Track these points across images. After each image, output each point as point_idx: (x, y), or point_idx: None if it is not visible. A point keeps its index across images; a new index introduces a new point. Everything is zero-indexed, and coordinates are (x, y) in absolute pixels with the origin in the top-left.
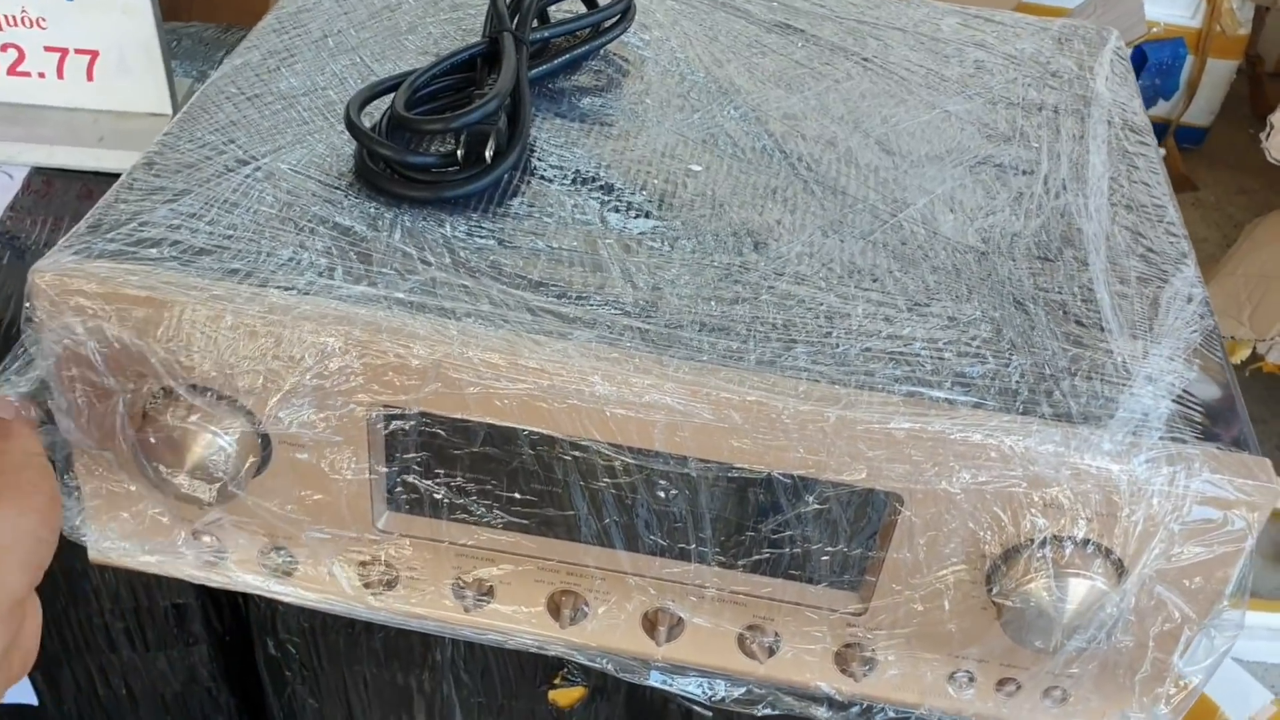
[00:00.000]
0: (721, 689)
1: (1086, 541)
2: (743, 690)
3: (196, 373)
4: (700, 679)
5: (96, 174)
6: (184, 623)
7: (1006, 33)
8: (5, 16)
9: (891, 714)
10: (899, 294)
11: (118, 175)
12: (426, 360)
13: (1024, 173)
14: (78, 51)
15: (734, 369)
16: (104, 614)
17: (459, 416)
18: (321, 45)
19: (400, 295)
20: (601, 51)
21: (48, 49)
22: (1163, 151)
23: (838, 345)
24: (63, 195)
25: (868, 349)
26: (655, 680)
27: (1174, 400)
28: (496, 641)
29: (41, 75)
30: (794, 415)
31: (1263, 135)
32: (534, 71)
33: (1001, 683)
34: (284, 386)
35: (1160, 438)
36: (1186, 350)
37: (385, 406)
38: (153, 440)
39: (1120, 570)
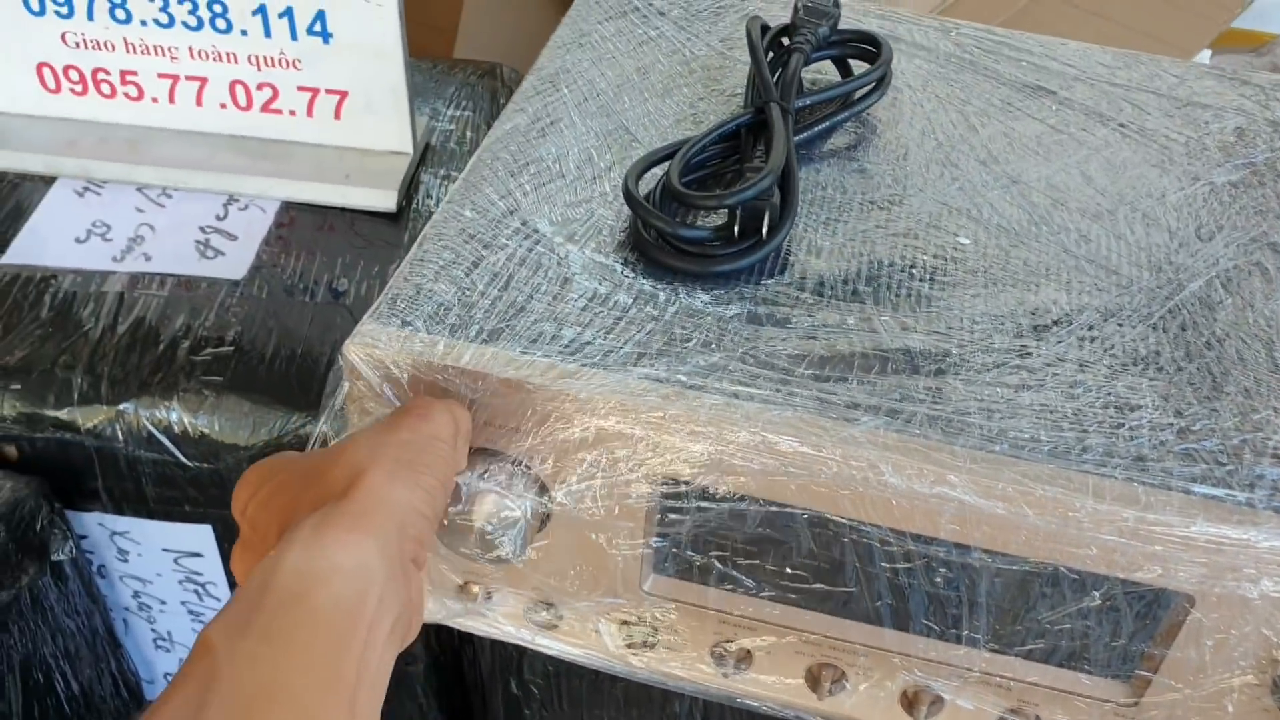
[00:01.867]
0: None
1: None
2: None
3: (492, 444)
4: None
5: (342, 210)
6: None
7: (1265, 97)
8: (265, 57)
9: None
10: (1186, 385)
11: (360, 211)
12: (712, 445)
13: None
14: (328, 92)
15: (1027, 462)
16: None
17: (740, 499)
18: (583, 109)
19: (682, 377)
20: None
21: (300, 89)
22: None
23: (1131, 438)
24: (309, 229)
25: (1162, 443)
26: None
27: None
28: (749, 707)
29: (293, 113)
30: (1090, 514)
31: None
32: (796, 138)
33: None
34: (572, 463)
35: None
36: None
37: (666, 486)
38: (452, 503)
39: None
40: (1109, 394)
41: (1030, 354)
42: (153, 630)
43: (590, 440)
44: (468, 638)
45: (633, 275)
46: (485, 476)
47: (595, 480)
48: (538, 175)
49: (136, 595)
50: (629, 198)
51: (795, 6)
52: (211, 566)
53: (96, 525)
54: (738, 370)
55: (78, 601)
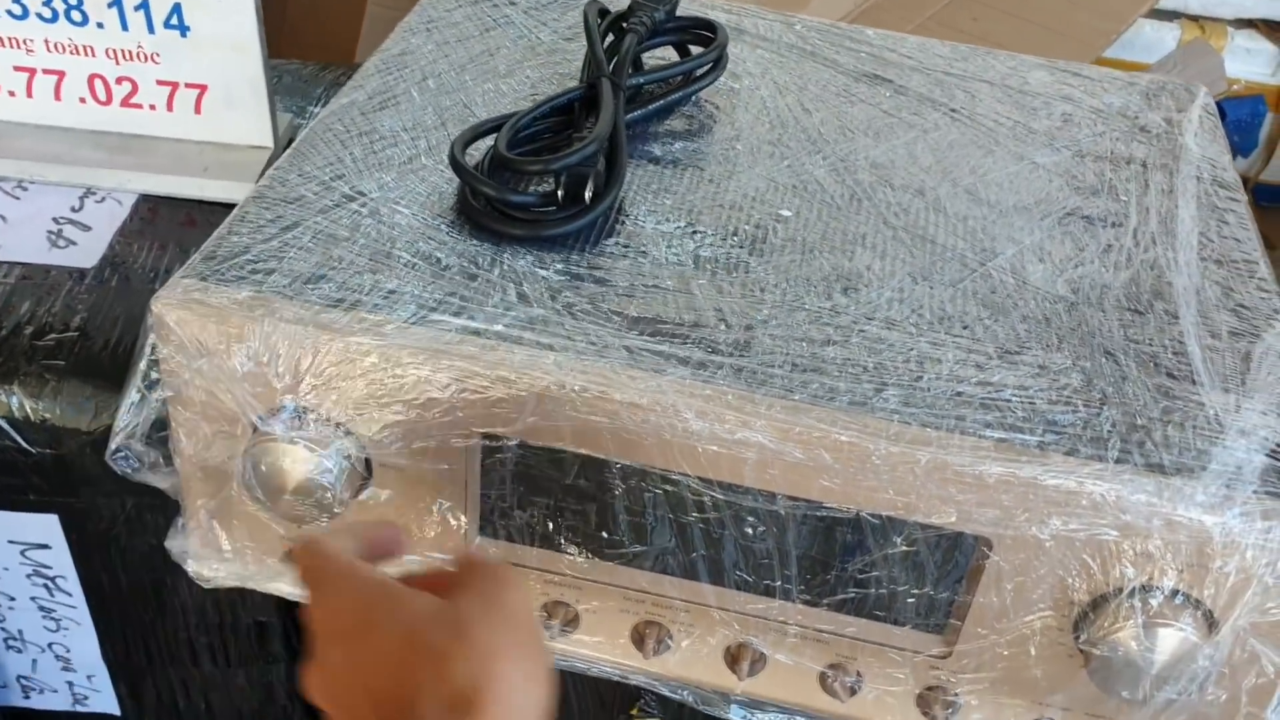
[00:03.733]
0: None
1: (1176, 592)
2: None
3: (305, 396)
4: (780, 715)
5: (200, 202)
6: (265, 640)
7: (1094, 87)
8: (122, 51)
9: None
10: (989, 341)
11: (220, 204)
12: (524, 393)
13: (1112, 225)
14: (188, 86)
15: (826, 409)
16: (189, 628)
17: (555, 448)
18: (423, 87)
19: (500, 329)
20: (694, 98)
21: (160, 83)
22: None
23: (929, 389)
24: (167, 222)
25: (959, 394)
26: (735, 715)
27: (1268, 454)
28: (579, 669)
29: (153, 107)
30: (885, 457)
31: None
32: (629, 116)
33: None
34: (385, 414)
35: (1254, 491)
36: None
37: (484, 437)
38: (263, 460)
39: (1211, 622)
40: (911, 349)
41: (839, 314)
42: (3, 630)
43: (405, 391)
44: None
45: (458, 238)
46: (302, 436)
47: (412, 432)
48: (370, 145)
49: None
50: (455, 164)
51: None
52: (60, 559)
53: None
54: (554, 323)
55: None
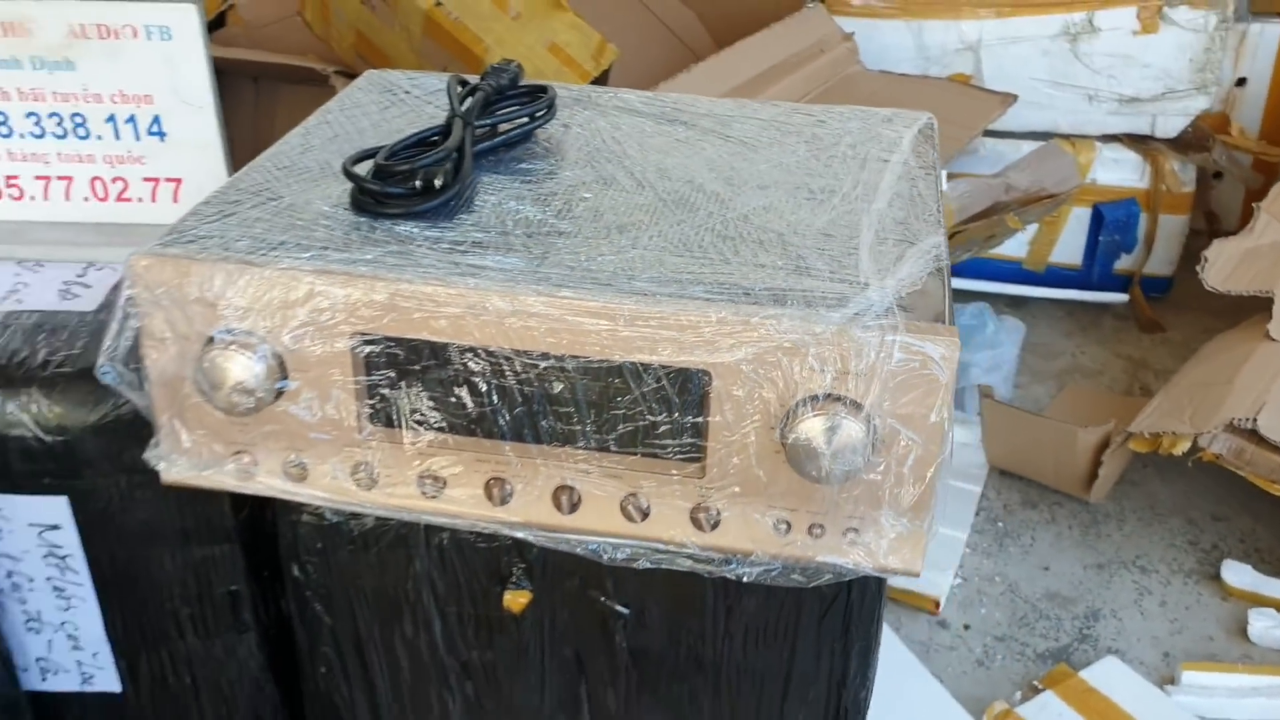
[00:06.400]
0: (610, 550)
1: (832, 395)
2: (627, 552)
3: (234, 317)
4: (596, 541)
5: None
6: (237, 609)
7: (844, 116)
8: (116, 156)
9: (744, 567)
10: (714, 254)
11: None
12: (384, 297)
13: (828, 191)
14: (167, 180)
15: (589, 289)
16: (174, 599)
17: (410, 338)
18: (332, 140)
19: (370, 258)
20: (532, 136)
21: (145, 179)
22: (1126, 298)
23: (667, 278)
24: None
25: (686, 279)
26: (564, 546)
27: (898, 302)
28: (449, 524)
29: (140, 200)
30: (630, 318)
31: (1199, 268)
32: (481, 146)
33: (811, 528)
34: (290, 323)
35: (878, 315)
36: (917, 275)
37: (360, 334)
38: (209, 365)
39: (858, 408)
40: (661, 261)
41: (615, 244)
42: (24, 611)
43: (303, 302)
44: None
45: (349, 218)
46: (233, 345)
47: (309, 336)
48: (289, 174)
49: (10, 575)
50: (346, 171)
51: (486, 69)
52: (69, 538)
53: None
54: (404, 256)
55: None
